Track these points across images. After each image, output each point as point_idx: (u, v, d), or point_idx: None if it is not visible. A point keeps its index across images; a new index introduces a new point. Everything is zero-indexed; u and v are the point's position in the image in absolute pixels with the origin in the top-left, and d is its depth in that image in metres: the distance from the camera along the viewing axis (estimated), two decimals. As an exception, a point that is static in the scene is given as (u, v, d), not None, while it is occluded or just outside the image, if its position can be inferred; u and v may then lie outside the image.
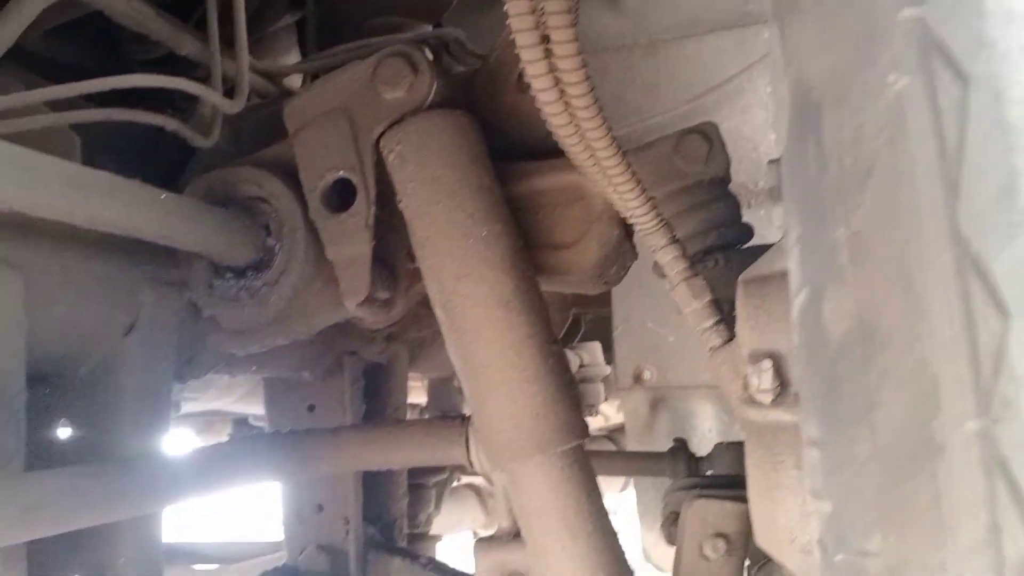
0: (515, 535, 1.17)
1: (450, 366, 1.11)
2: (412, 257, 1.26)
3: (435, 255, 1.10)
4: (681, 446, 1.65)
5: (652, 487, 2.34)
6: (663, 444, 1.91)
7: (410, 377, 2.04)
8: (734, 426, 2.30)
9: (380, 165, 1.16)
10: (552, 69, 0.88)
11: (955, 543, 0.43)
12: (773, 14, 0.61)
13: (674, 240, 1.01)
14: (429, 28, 1.81)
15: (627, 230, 1.23)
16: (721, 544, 1.08)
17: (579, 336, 2.72)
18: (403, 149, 1.13)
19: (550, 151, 1.22)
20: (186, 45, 1.37)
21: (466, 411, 1.25)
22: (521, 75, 1.26)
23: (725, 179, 1.19)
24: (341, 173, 1.17)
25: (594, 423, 3.17)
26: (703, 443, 2.13)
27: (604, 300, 2.42)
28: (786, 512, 0.87)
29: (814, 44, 0.54)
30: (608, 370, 2.67)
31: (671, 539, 1.31)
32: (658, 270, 1.21)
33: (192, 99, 1.42)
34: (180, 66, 1.42)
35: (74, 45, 1.51)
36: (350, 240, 1.17)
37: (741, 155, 1.27)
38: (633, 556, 1.14)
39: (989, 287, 0.42)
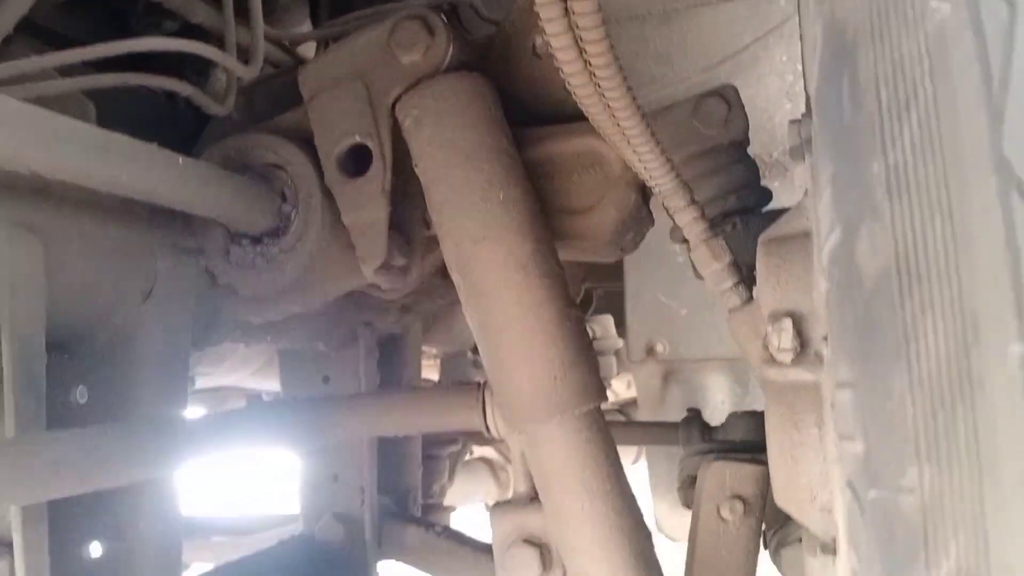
0: (532, 499, 1.17)
1: (462, 340, 1.11)
2: (428, 224, 1.26)
3: (453, 219, 1.10)
4: (695, 416, 1.65)
5: (665, 459, 2.35)
6: (675, 417, 1.91)
7: (423, 353, 2.05)
8: (746, 398, 2.30)
9: (396, 130, 1.16)
10: (572, 28, 0.88)
11: (995, 475, 0.42)
12: None
13: (693, 201, 1.01)
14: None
15: (644, 195, 1.22)
16: (739, 506, 1.08)
17: (591, 310, 2.72)
18: (420, 113, 1.13)
19: (566, 117, 1.21)
20: (199, 13, 1.36)
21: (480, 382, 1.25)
22: (536, 42, 1.25)
23: (744, 142, 1.18)
24: (357, 138, 1.17)
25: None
26: (715, 415, 2.13)
27: (616, 274, 2.42)
28: (807, 471, 0.87)
29: None
30: (620, 343, 2.68)
31: (687, 502, 1.32)
32: (676, 234, 1.21)
33: (205, 72, 1.42)
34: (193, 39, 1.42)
35: (86, 18, 1.51)
36: (366, 205, 1.16)
37: (756, 125, 1.26)
38: (646, 526, 1.14)
39: None
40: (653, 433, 2.00)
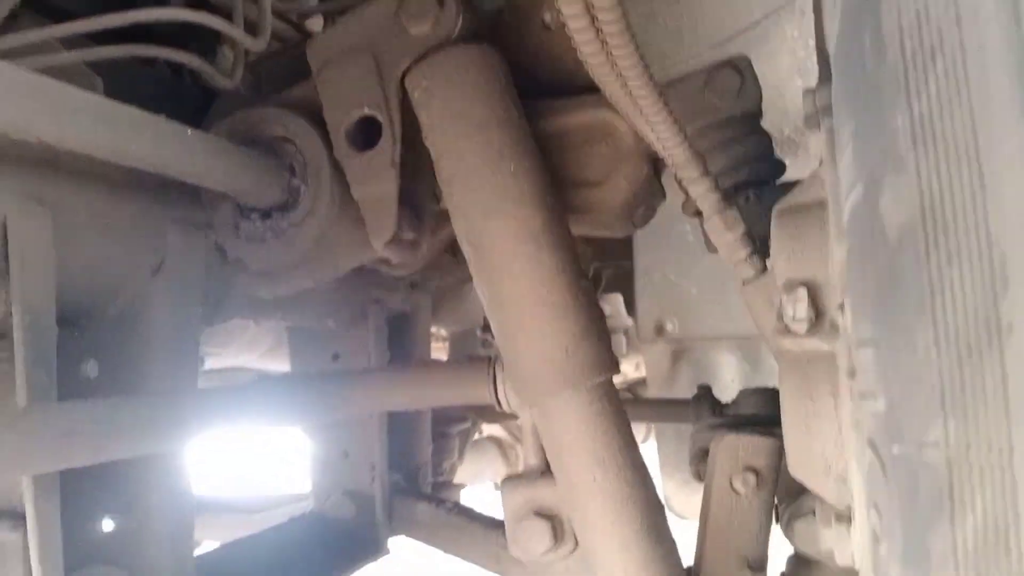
0: (543, 472, 1.17)
1: (471, 318, 1.11)
2: (437, 198, 1.25)
3: (463, 191, 1.09)
4: (706, 392, 1.65)
5: (674, 437, 2.35)
6: (685, 396, 1.91)
7: (432, 335, 2.05)
8: (756, 377, 2.29)
9: (405, 102, 1.15)
10: (584, -1, 0.86)
11: (1023, 425, 0.42)
12: None
13: (707, 173, 1.00)
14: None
15: (656, 168, 1.21)
16: (752, 478, 1.08)
17: (600, 289, 2.72)
18: (429, 84, 1.11)
19: (577, 89, 1.20)
20: (206, -14, 1.35)
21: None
22: (546, 15, 1.24)
23: (757, 114, 1.17)
24: (366, 110, 1.16)
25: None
26: (725, 393, 2.12)
27: (626, 253, 2.41)
28: (822, 441, 0.86)
29: None
30: (630, 322, 2.67)
31: (699, 476, 1.31)
32: (689, 207, 1.20)
33: (212, 49, 1.41)
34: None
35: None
36: (376, 178, 1.15)
37: (767, 102, 1.24)
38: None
39: None
40: (664, 410, 2.00)
